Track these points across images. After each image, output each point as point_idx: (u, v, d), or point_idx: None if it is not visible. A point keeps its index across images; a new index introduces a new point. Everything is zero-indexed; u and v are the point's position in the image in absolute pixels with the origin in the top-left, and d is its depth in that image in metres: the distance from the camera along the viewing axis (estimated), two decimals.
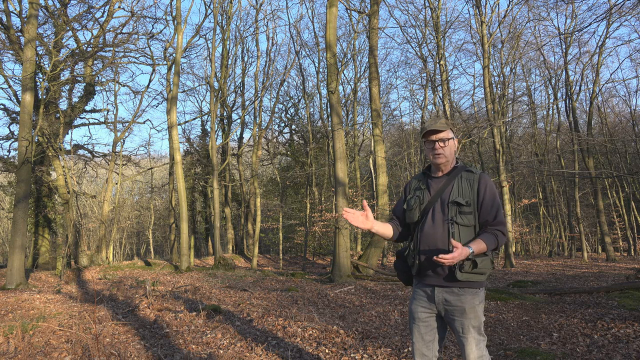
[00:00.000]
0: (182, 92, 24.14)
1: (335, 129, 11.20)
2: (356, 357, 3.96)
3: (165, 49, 19.56)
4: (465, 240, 2.20)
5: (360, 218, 2.24)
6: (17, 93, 15.26)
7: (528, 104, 25.69)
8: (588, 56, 21.38)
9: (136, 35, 18.08)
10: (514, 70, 22.80)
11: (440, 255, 2.08)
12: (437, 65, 17.77)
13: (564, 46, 20.17)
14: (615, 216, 24.46)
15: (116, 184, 19.26)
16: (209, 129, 21.12)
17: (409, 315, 2.44)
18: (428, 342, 2.35)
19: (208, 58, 22.40)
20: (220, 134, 24.10)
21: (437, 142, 2.30)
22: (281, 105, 27.14)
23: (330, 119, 13.26)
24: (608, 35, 19.39)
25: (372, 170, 19.21)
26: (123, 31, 17.56)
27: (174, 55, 16.49)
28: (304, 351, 4.13)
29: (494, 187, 2.25)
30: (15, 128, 16.35)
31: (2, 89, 17.26)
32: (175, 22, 15.73)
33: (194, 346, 4.33)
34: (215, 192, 17.85)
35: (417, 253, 2.31)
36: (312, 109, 25.83)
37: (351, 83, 24.59)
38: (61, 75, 15.67)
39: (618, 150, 23.96)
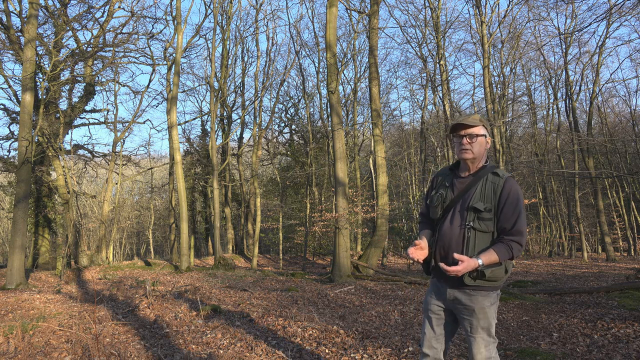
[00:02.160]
0: (182, 92, 24.15)
1: (335, 129, 11.20)
2: (356, 357, 3.96)
3: (165, 49, 19.56)
4: (480, 246, 2.15)
5: (423, 252, 2.28)
6: (17, 93, 15.26)
7: (528, 104, 25.69)
8: (588, 56, 21.38)
9: (136, 35, 18.09)
10: (514, 70, 22.81)
11: (444, 266, 2.09)
12: (437, 65, 17.77)
13: (564, 46, 20.18)
14: (615, 216, 24.45)
15: (116, 184, 19.25)
16: (209, 129, 21.14)
17: (423, 306, 2.44)
18: (438, 334, 2.35)
19: (208, 58, 22.41)
20: (220, 134, 24.10)
21: (465, 137, 2.24)
22: (281, 105, 27.17)
23: (330, 119, 13.26)
24: (608, 35, 19.40)
25: (372, 170, 19.21)
26: (123, 31, 17.57)
27: (174, 55, 16.49)
28: (304, 351, 4.13)
29: (518, 194, 2.15)
30: (15, 128, 16.36)
31: (2, 89, 17.26)
32: (175, 22, 15.73)
33: (194, 346, 4.33)
34: (215, 192, 17.85)
35: (433, 252, 2.31)
36: (312, 109, 25.86)
37: (351, 83, 24.60)
38: (61, 75, 15.66)
39: (618, 150, 23.95)
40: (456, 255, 2.07)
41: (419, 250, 2.26)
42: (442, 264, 2.10)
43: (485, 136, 2.27)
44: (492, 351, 2.23)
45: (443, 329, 2.37)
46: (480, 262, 2.08)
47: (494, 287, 2.19)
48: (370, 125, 17.20)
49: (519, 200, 2.14)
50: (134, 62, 18.99)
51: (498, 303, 2.26)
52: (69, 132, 16.97)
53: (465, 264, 2.05)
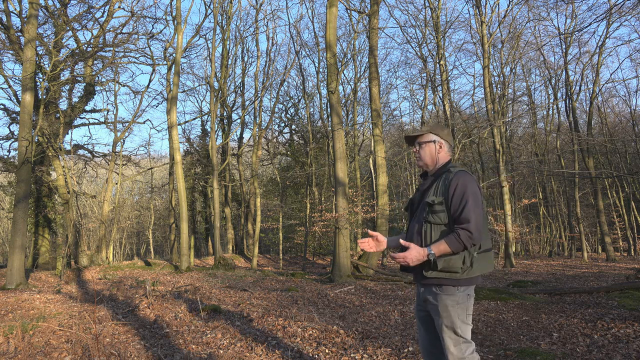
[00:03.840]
0: (182, 92, 24.15)
1: (335, 129, 11.20)
2: (356, 357, 3.96)
3: (165, 49, 19.57)
4: (437, 238, 2.23)
5: (372, 243, 2.46)
6: (17, 93, 15.26)
7: (528, 104, 25.69)
8: (588, 56, 21.38)
9: (136, 35, 18.09)
10: (514, 70, 22.81)
11: (392, 254, 2.20)
12: (437, 65, 17.78)
13: (564, 46, 20.18)
14: (615, 216, 24.43)
15: (116, 184, 19.25)
16: (209, 129, 21.14)
17: (415, 314, 2.54)
18: (432, 339, 2.39)
19: (208, 58, 22.41)
20: (220, 134, 24.10)
21: (414, 147, 2.49)
22: (281, 105, 27.17)
23: (330, 119, 13.26)
24: (608, 35, 19.39)
25: (372, 170, 19.22)
26: (123, 31, 17.58)
27: (174, 55, 16.49)
28: (304, 351, 4.13)
29: (466, 185, 2.20)
30: (15, 128, 16.36)
31: (2, 89, 17.29)
32: (175, 22, 15.73)
33: (194, 346, 4.33)
34: (215, 192, 17.85)
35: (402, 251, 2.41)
36: (312, 109, 25.86)
37: (351, 83, 24.60)
38: (61, 75, 15.66)
39: (618, 150, 23.95)
40: (402, 241, 2.20)
41: (367, 242, 2.47)
42: (391, 253, 2.23)
43: (435, 142, 2.43)
44: (464, 351, 2.21)
45: (434, 333, 2.39)
46: (429, 251, 2.16)
47: (456, 281, 2.19)
48: (370, 125, 17.20)
49: (466, 190, 2.19)
50: (134, 62, 19.01)
51: (470, 303, 2.24)
52: (69, 132, 16.99)
53: (411, 250, 2.15)
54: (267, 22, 26.90)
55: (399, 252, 2.27)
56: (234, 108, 24.71)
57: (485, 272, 2.26)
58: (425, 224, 2.27)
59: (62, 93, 16.48)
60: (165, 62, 19.71)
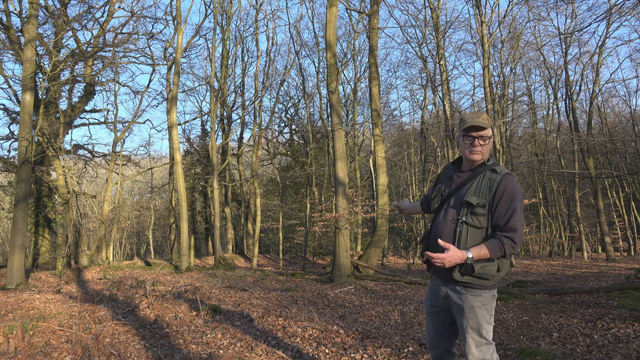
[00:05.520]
0: (182, 92, 24.15)
1: (335, 129, 11.20)
2: (356, 357, 3.96)
3: (165, 49, 19.57)
4: (472, 242, 2.12)
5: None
6: (17, 93, 15.26)
7: (528, 104, 25.70)
8: (588, 56, 21.38)
9: (136, 35, 18.10)
10: (514, 70, 22.82)
11: (429, 254, 2.06)
12: (437, 65, 17.78)
13: (564, 46, 20.17)
14: (615, 216, 24.43)
15: (116, 184, 19.25)
16: (209, 129, 21.13)
17: (424, 307, 2.44)
18: (438, 336, 2.34)
19: (208, 58, 22.42)
20: (220, 134, 24.10)
21: (477, 139, 2.21)
22: (281, 105, 27.16)
23: (330, 119, 13.26)
24: (608, 35, 19.38)
25: (372, 170, 19.21)
26: (123, 31, 17.59)
27: (174, 55, 16.48)
28: (304, 351, 4.13)
29: (514, 191, 2.09)
30: (15, 128, 16.37)
31: (2, 89, 17.28)
32: (175, 22, 15.72)
33: (194, 346, 4.33)
34: (215, 192, 17.85)
35: (426, 244, 2.31)
36: (312, 109, 25.85)
37: (351, 83, 24.60)
38: (61, 75, 15.66)
39: (618, 150, 23.94)
40: (441, 242, 2.06)
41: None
42: (428, 252, 2.09)
43: (491, 137, 2.26)
44: (485, 353, 2.17)
45: (442, 331, 2.34)
46: (469, 254, 2.04)
47: (484, 285, 2.13)
48: (370, 125, 17.20)
49: (515, 197, 2.09)
50: (134, 62, 19.00)
51: (494, 304, 2.19)
52: (69, 132, 16.99)
53: (451, 252, 2.02)
54: (267, 22, 26.92)
55: (432, 251, 2.17)
56: (234, 108, 24.71)
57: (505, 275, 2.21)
58: (462, 225, 2.14)
59: (62, 93, 16.49)
60: (165, 62, 19.71)
